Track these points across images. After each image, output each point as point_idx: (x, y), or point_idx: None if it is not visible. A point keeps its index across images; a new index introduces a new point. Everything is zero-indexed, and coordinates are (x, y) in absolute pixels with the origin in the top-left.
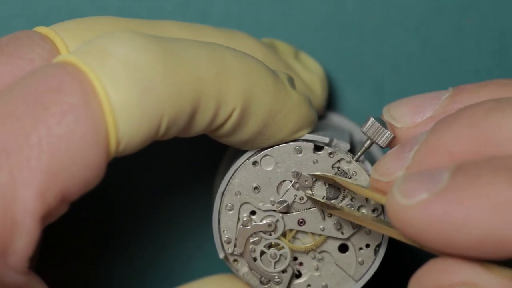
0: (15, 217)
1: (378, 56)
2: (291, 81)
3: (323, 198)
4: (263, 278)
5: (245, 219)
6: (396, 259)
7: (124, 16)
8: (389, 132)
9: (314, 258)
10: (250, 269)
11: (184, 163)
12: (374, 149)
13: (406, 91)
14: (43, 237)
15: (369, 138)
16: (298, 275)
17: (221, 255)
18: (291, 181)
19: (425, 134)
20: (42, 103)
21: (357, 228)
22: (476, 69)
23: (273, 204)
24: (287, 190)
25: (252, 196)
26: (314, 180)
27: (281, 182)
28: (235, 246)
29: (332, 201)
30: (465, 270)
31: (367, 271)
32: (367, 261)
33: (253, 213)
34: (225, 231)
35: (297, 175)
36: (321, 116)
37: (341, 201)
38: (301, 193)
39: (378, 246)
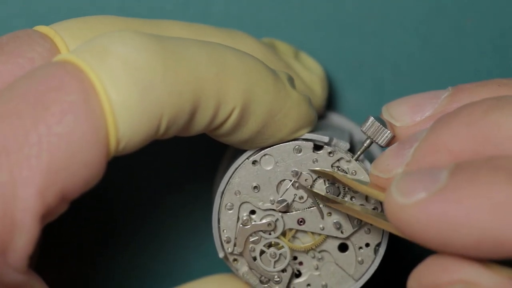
0: (15, 216)
1: (378, 56)
2: (291, 80)
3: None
4: (262, 278)
5: (244, 218)
6: (396, 259)
7: (124, 16)
8: (389, 131)
9: (314, 257)
10: (250, 268)
11: (184, 163)
12: (374, 149)
13: (406, 91)
14: (43, 236)
15: (368, 137)
16: (297, 274)
17: (221, 255)
18: (290, 180)
19: (425, 131)
20: (42, 102)
21: (357, 227)
22: (476, 69)
23: (273, 204)
24: (287, 189)
25: (251, 195)
26: (314, 179)
27: (280, 181)
28: (234, 245)
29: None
30: (464, 268)
31: (367, 270)
32: (367, 260)
33: (252, 212)
34: (225, 231)
35: (297, 174)
36: (321, 116)
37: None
38: (300, 192)
39: (378, 245)
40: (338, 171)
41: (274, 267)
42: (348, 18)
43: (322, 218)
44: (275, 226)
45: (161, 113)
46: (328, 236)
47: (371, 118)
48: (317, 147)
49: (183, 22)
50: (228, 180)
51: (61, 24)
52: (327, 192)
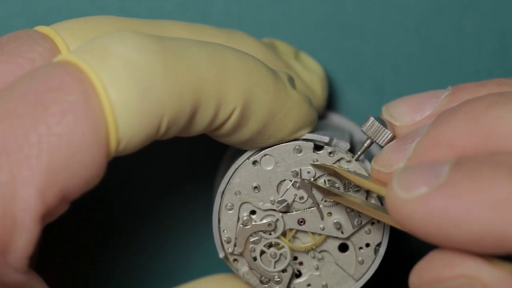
0: (15, 216)
1: (378, 56)
2: (291, 80)
3: (322, 198)
4: (263, 278)
5: (245, 218)
6: (396, 259)
7: (124, 16)
8: (389, 131)
9: (314, 257)
10: (250, 268)
11: (184, 163)
12: (374, 149)
13: (406, 91)
14: (43, 236)
15: (369, 137)
16: (298, 274)
17: (221, 255)
18: (291, 181)
19: (426, 126)
20: (42, 102)
21: (357, 227)
22: (476, 69)
23: (273, 204)
24: (287, 189)
25: (252, 195)
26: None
27: (281, 181)
28: (235, 245)
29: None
30: (465, 262)
31: (367, 270)
32: (367, 260)
33: (253, 212)
34: (225, 231)
35: (298, 174)
36: (321, 116)
37: (338, 203)
38: (301, 193)
39: (378, 245)
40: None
41: (274, 267)
42: (348, 18)
43: (322, 218)
44: (276, 226)
45: (162, 114)
46: (328, 236)
47: (371, 118)
48: (318, 147)
49: (183, 22)
50: (229, 180)
51: (61, 25)
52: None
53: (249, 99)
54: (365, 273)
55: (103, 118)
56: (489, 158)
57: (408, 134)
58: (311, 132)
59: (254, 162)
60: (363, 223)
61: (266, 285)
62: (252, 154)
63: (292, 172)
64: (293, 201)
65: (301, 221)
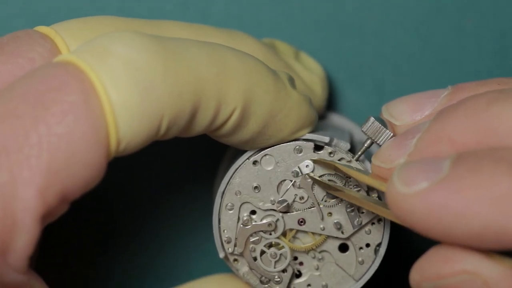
0: (15, 216)
1: (379, 56)
2: (291, 81)
3: (322, 198)
4: (263, 278)
5: (245, 218)
6: (396, 259)
7: (124, 16)
8: (389, 131)
9: (314, 257)
10: (250, 268)
11: (184, 163)
12: (375, 149)
13: (407, 91)
14: (43, 237)
15: (369, 137)
16: (298, 274)
17: (221, 255)
18: (291, 181)
19: (427, 122)
20: (42, 103)
21: (357, 227)
22: (477, 69)
23: (273, 204)
24: (287, 189)
25: (252, 195)
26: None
27: (281, 181)
28: (235, 245)
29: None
30: (466, 258)
31: (367, 270)
32: (367, 260)
33: (253, 212)
34: (225, 231)
35: (297, 174)
36: (321, 116)
37: (341, 201)
38: (301, 193)
39: (378, 245)
40: (338, 173)
41: (274, 267)
42: (348, 18)
43: (322, 218)
44: (276, 226)
45: (162, 114)
46: (328, 237)
47: (372, 119)
48: (318, 147)
49: (183, 23)
50: (229, 180)
51: (61, 25)
52: (327, 193)
53: (250, 99)
54: (365, 273)
55: (103, 118)
56: (489, 153)
57: (409, 130)
58: (312, 132)
59: (255, 162)
60: (363, 223)
61: (266, 285)
62: (253, 154)
63: (293, 172)
64: (293, 201)
65: (301, 221)
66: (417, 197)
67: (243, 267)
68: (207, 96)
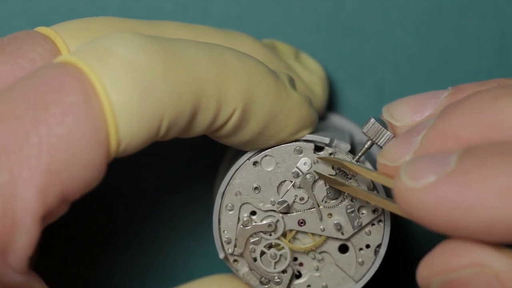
0: (15, 216)
1: (379, 56)
2: (291, 81)
3: (323, 199)
4: (263, 279)
5: (245, 219)
6: (396, 260)
7: (124, 16)
8: (389, 132)
9: (314, 258)
10: (250, 269)
11: (184, 163)
12: (375, 150)
13: (407, 91)
14: (43, 237)
15: (369, 138)
16: (298, 275)
17: (221, 255)
18: (291, 181)
19: (432, 119)
20: (42, 103)
21: (357, 228)
22: (477, 69)
23: (273, 205)
24: (288, 190)
25: (252, 196)
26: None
27: (281, 182)
28: (235, 246)
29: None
30: (476, 251)
31: (367, 271)
32: (367, 261)
33: (253, 213)
34: (225, 231)
35: (298, 175)
36: (321, 117)
37: (341, 202)
38: (301, 193)
39: (378, 246)
40: (339, 173)
41: (274, 268)
42: (348, 18)
43: (322, 219)
44: (276, 227)
45: (162, 115)
46: (328, 237)
47: (372, 120)
48: (318, 148)
49: (182, 23)
50: (229, 181)
51: (62, 25)
52: (327, 193)
53: (250, 100)
54: (365, 274)
55: (103, 119)
56: (496, 146)
57: (414, 128)
58: (312, 133)
59: (255, 163)
60: (363, 224)
61: (266, 286)
62: (253, 155)
63: (293, 173)
64: (294, 202)
65: (301, 222)
66: (425, 191)
67: (243, 268)
68: (207, 96)
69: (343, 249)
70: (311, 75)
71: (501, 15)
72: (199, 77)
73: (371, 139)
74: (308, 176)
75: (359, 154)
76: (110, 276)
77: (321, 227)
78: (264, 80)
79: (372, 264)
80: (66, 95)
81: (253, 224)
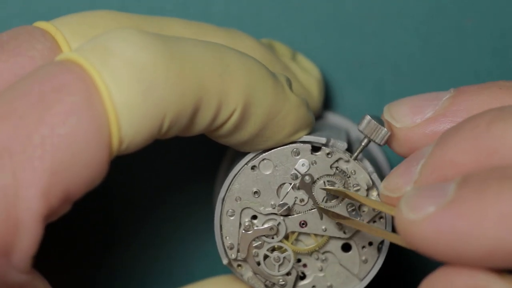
0: (18, 217)
1: (378, 56)
2: (289, 83)
3: (322, 199)
4: (268, 282)
5: (246, 224)
6: (400, 258)
7: None
8: (385, 129)
9: (317, 259)
10: (255, 273)
11: (184, 163)
12: (372, 147)
13: (406, 91)
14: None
15: (366, 136)
16: (302, 277)
17: (225, 261)
18: (290, 184)
19: (430, 147)
20: (45, 103)
21: None
22: (476, 69)
23: (274, 208)
24: (287, 192)
25: (252, 200)
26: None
27: (280, 185)
28: (238, 251)
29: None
30: (478, 275)
31: (371, 269)
32: (370, 259)
33: (254, 217)
34: (227, 237)
35: (296, 177)
36: (317, 117)
37: (342, 201)
38: (301, 195)
39: (381, 243)
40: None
41: (278, 271)
42: (348, 18)
43: (324, 219)
44: (278, 230)
45: (164, 113)
46: (331, 237)
47: (368, 117)
48: (315, 149)
49: (184, 20)
50: (228, 187)
51: (62, 20)
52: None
53: (249, 101)
54: (369, 272)
55: (106, 117)
56: (493, 173)
57: (413, 156)
58: (308, 134)
59: (253, 167)
60: (364, 222)
61: None
62: (251, 159)
63: (291, 175)
64: (294, 203)
65: (303, 223)
66: (425, 222)
67: (247, 272)
68: (209, 96)
69: (346, 248)
70: (308, 76)
71: (501, 15)
72: (201, 76)
73: (368, 137)
74: (306, 177)
75: (356, 152)
76: (111, 276)
77: (323, 227)
78: (264, 81)
79: (375, 262)
80: (68, 94)
81: (255, 228)
